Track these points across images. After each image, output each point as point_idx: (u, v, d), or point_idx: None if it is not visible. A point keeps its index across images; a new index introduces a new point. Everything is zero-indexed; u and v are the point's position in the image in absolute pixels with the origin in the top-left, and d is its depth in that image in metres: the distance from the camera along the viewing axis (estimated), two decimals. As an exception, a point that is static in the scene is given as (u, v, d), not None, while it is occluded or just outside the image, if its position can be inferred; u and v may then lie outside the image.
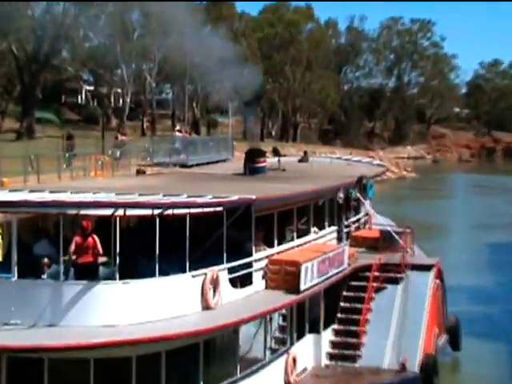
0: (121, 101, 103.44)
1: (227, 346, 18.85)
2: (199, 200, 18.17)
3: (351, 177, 27.57)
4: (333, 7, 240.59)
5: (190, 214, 17.64)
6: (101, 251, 17.21)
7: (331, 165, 35.31)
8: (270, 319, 20.98)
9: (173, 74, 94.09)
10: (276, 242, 21.67)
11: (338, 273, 23.07)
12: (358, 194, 27.04)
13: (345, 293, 24.66)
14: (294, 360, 21.55)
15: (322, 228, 25.14)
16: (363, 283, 24.60)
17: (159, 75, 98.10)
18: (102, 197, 18.27)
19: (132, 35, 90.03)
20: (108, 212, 16.78)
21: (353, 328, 23.96)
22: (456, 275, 35.52)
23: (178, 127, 45.47)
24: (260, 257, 20.53)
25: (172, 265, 17.49)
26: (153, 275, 17.03)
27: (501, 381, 25.66)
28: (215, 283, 18.17)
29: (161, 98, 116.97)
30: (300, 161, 36.56)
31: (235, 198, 19.05)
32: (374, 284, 24.57)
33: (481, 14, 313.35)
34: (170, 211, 17.34)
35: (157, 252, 16.97)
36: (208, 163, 33.42)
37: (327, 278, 22.28)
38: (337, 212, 26.58)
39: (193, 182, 26.30)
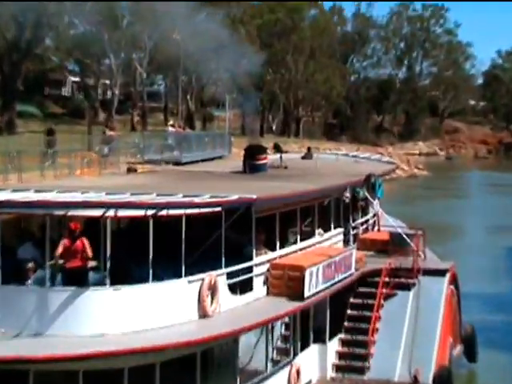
0: (109, 93, 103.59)
1: (226, 356, 18.95)
2: (196, 200, 18.25)
3: (358, 175, 27.70)
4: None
5: (185, 214, 17.71)
6: (90, 255, 17.23)
7: (337, 162, 35.52)
8: (272, 328, 21.11)
9: (165, 63, 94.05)
10: (278, 244, 21.77)
11: (344, 278, 23.18)
12: (366, 194, 27.18)
13: (352, 300, 24.80)
14: (298, 372, 21.66)
15: (327, 230, 25.26)
16: (372, 289, 24.74)
17: (150, 65, 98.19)
18: (92, 196, 18.33)
19: (121, 22, 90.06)
20: (98, 213, 16.85)
21: (361, 337, 24.07)
22: (472, 281, 35.66)
23: (170, 121, 45.79)
24: (261, 261, 20.64)
25: (167, 269, 17.57)
26: (146, 281, 17.10)
27: (520, 394, 25.84)
28: (213, 289, 18.25)
29: (152, 89, 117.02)
30: (303, 158, 36.72)
31: (234, 197, 19.13)
32: (384, 290, 24.70)
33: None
34: (164, 212, 17.38)
35: (150, 256, 17.04)
36: (203, 160, 33.55)
37: (333, 284, 22.39)
38: (343, 213, 26.70)
39: (188, 180, 26.42)
